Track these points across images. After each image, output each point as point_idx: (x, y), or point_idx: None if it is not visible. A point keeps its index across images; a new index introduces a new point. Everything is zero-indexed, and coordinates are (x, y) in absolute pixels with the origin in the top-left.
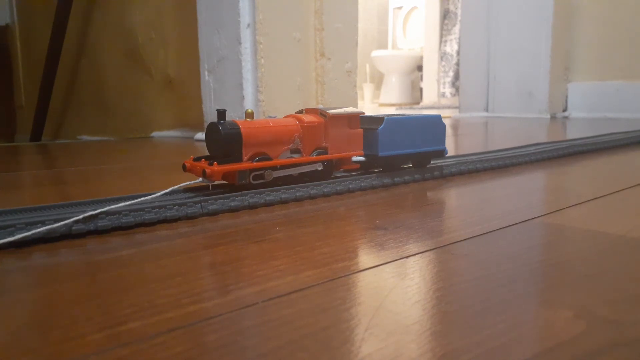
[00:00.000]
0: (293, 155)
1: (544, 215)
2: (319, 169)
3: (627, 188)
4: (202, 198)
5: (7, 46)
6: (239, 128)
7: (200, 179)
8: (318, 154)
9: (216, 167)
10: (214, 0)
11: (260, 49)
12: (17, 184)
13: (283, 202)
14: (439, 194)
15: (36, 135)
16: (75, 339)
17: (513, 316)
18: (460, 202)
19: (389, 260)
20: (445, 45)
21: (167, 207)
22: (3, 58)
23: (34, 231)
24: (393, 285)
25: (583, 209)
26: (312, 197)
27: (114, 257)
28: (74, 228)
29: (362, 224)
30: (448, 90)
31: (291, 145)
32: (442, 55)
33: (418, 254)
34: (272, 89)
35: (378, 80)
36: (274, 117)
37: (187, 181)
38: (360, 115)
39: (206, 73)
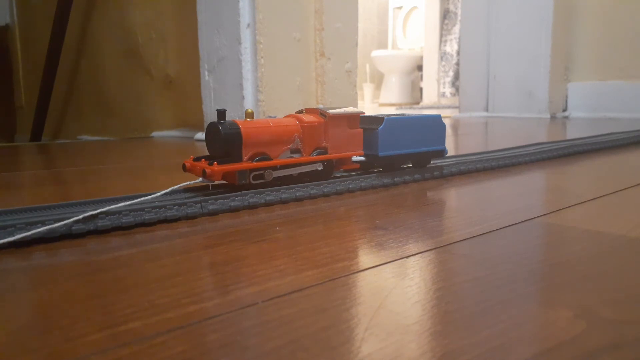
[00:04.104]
0: (293, 155)
1: (544, 215)
2: (319, 169)
3: (627, 188)
4: (202, 198)
5: (7, 46)
6: (239, 128)
7: (200, 179)
8: (318, 154)
9: (216, 167)
10: (214, 0)
11: (260, 49)
12: (17, 184)
13: (283, 202)
14: (439, 194)
15: (36, 135)
16: (75, 339)
17: (513, 316)
18: (460, 202)
19: (389, 260)
20: (445, 45)
21: (167, 207)
22: (3, 58)
23: (34, 231)
24: (393, 285)
25: (583, 209)
26: (312, 197)
27: (114, 257)
28: (74, 228)
29: (362, 224)
30: (448, 90)
31: (291, 145)
32: (442, 55)
33: (418, 254)
34: (272, 89)
35: (378, 80)
36: (274, 117)
37: (187, 181)
38: (360, 115)
39: (206, 73)
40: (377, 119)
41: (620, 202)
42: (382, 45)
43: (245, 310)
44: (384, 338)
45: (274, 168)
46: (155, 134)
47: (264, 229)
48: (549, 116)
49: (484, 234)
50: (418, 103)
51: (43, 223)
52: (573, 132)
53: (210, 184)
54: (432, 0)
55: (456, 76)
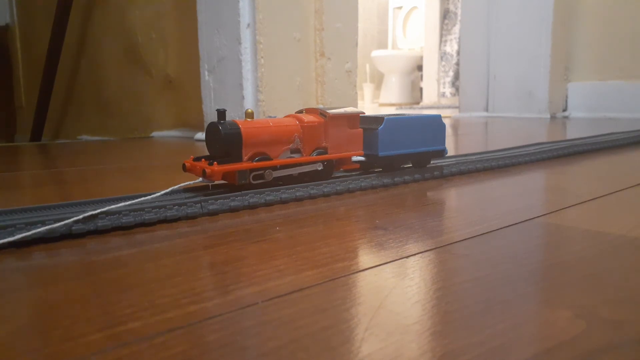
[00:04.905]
0: (293, 155)
1: (543, 215)
2: (319, 169)
3: (626, 188)
4: (202, 198)
5: (7, 46)
6: (239, 128)
7: (200, 179)
8: (318, 154)
9: (216, 167)
10: (214, 0)
11: (260, 49)
12: (17, 184)
13: (283, 202)
14: (439, 194)
15: (36, 136)
16: (75, 339)
17: (513, 316)
18: (460, 202)
19: (389, 260)
20: (445, 45)
21: (167, 207)
22: (3, 58)
23: (34, 231)
24: (393, 285)
25: (583, 209)
26: (312, 197)
27: (114, 257)
28: (74, 228)
29: (362, 224)
30: (448, 90)
31: (291, 145)
32: (442, 55)
33: (418, 254)
34: (272, 89)
35: (378, 80)
36: (274, 117)
37: (187, 181)
38: (360, 115)
39: (206, 73)
40: (377, 119)
41: (620, 202)
42: (382, 45)
43: (245, 310)
44: (384, 338)
45: (274, 168)
46: (155, 134)
47: (264, 229)
48: (549, 116)
49: (484, 234)
50: (418, 103)
51: (43, 223)
52: (573, 132)
53: (210, 184)
54: (432, 0)
55: (456, 76)
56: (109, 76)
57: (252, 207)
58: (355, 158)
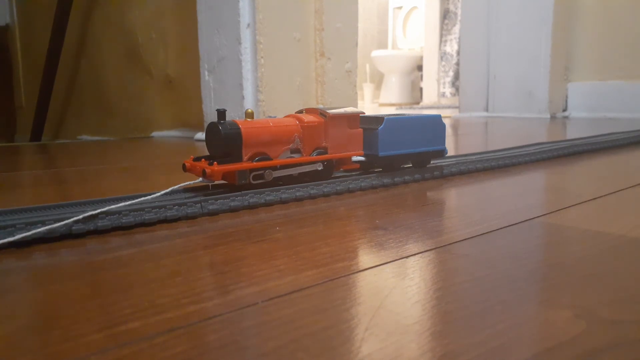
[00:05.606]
0: (293, 155)
1: (544, 215)
2: (319, 169)
3: (627, 188)
4: (202, 198)
5: (7, 46)
6: (239, 128)
7: (200, 179)
8: (318, 154)
9: (216, 167)
10: (214, 0)
11: (260, 49)
12: (17, 184)
13: (283, 202)
14: (439, 194)
15: (36, 136)
16: (75, 339)
17: (513, 316)
18: (460, 202)
19: (389, 260)
20: (445, 45)
21: (167, 207)
22: (3, 58)
23: (34, 231)
24: (393, 285)
25: (583, 209)
26: (312, 197)
27: (114, 257)
28: (74, 228)
29: (362, 224)
30: (448, 90)
31: (291, 145)
32: (442, 55)
33: (418, 254)
34: (272, 89)
35: (378, 80)
36: (274, 117)
37: (187, 181)
38: (360, 115)
39: (206, 73)
40: (377, 119)
41: (620, 202)
42: (382, 45)
43: (245, 310)
44: (384, 338)
45: (274, 168)
46: (155, 134)
47: (264, 229)
48: (549, 116)
49: (484, 234)
50: (418, 103)
51: (43, 223)
52: (573, 132)
53: (210, 184)
54: (432, 0)
55: (456, 76)
56: (109, 76)
57: (252, 207)
58: (355, 158)
